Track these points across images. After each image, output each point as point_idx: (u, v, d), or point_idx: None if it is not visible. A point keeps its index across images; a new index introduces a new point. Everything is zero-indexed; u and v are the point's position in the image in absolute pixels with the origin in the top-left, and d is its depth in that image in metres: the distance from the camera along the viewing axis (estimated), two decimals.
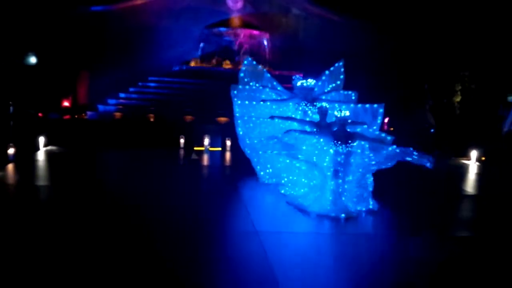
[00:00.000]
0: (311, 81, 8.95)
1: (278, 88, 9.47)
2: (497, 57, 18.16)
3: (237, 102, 9.03)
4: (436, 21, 19.63)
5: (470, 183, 10.41)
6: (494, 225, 6.83)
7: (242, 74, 9.37)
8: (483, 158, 12.86)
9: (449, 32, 19.41)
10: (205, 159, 12.25)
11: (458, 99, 20.63)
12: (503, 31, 19.41)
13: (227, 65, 22.66)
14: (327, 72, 9.61)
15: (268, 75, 9.54)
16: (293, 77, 9.53)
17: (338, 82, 9.51)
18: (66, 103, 19.70)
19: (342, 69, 9.53)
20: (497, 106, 18.84)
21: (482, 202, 8.48)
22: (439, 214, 7.31)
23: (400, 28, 19.64)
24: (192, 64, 23.02)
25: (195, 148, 13.49)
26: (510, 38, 19.29)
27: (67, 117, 17.91)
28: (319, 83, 9.43)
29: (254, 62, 9.57)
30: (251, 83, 9.31)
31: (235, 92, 9.12)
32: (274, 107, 9.13)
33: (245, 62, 9.51)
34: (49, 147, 12.73)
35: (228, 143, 13.48)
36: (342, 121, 6.79)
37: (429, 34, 19.74)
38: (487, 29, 19.10)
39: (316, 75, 9.66)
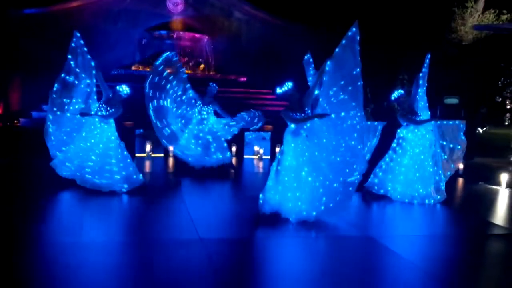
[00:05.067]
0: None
1: (190, 92, 10.12)
2: (434, 60, 18.77)
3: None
4: (377, 24, 20.07)
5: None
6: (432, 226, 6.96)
7: (158, 62, 9.57)
8: None
9: (388, 35, 19.92)
10: (148, 167, 11.88)
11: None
12: (438, 34, 20.16)
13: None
14: None
15: (185, 75, 9.73)
16: (210, 84, 10.13)
17: None
18: None
19: None
20: (435, 109, 19.49)
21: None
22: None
23: (342, 31, 19.93)
24: (132, 68, 22.49)
25: (137, 155, 13.06)
26: (446, 41, 20.06)
27: None
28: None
29: (176, 58, 9.81)
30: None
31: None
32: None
33: (168, 54, 9.64)
34: None
35: (171, 148, 13.12)
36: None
37: (369, 38, 20.16)
38: (423, 31, 19.75)
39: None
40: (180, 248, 5.39)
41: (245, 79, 23.10)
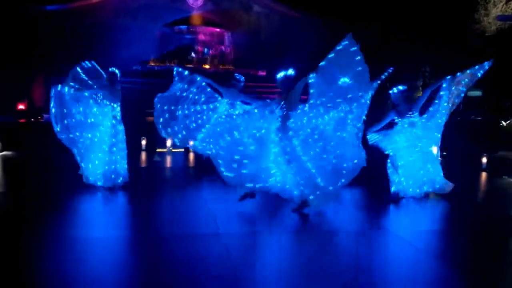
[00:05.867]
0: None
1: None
2: (456, 51, 18.55)
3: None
4: (397, 17, 19.83)
5: None
6: (455, 219, 6.87)
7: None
8: (445, 153, 12.96)
9: (410, 28, 19.66)
10: (168, 161, 11.97)
11: (419, 94, 20.94)
12: (461, 25, 19.83)
13: (188, 64, 22.35)
14: None
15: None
16: (236, 76, 9.58)
17: None
18: (21, 106, 19.01)
19: None
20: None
21: (443, 197, 8.45)
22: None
23: (361, 24, 19.79)
24: (152, 63, 22.63)
25: (158, 150, 13.18)
26: (469, 32, 19.74)
27: (22, 120, 17.24)
28: None
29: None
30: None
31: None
32: None
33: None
34: (4, 152, 12.18)
35: (191, 143, 13.18)
36: None
37: (390, 29, 19.95)
38: (445, 22, 19.45)
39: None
40: (200, 242, 5.44)
41: (264, 73, 23.07)
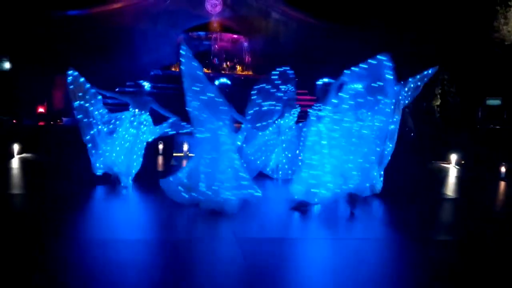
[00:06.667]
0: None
1: None
2: (476, 59, 18.38)
3: None
4: (415, 22, 19.75)
5: (451, 186, 10.37)
6: (474, 228, 6.77)
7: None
8: (463, 162, 12.86)
9: (428, 34, 19.57)
10: (185, 165, 12.01)
11: (437, 102, 20.78)
12: (480, 33, 19.67)
13: (206, 70, 22.50)
14: None
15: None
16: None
17: None
18: (41, 109, 19.30)
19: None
20: (477, 109, 19.07)
21: (462, 205, 8.42)
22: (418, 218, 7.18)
23: (378, 30, 19.75)
24: (171, 69, 22.85)
25: (174, 154, 13.25)
26: (488, 40, 19.57)
27: (42, 123, 17.51)
28: None
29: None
30: None
31: None
32: None
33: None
34: (23, 155, 12.36)
35: None
36: None
37: (407, 35, 19.85)
38: (464, 30, 19.32)
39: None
40: (215, 247, 5.47)
41: None
